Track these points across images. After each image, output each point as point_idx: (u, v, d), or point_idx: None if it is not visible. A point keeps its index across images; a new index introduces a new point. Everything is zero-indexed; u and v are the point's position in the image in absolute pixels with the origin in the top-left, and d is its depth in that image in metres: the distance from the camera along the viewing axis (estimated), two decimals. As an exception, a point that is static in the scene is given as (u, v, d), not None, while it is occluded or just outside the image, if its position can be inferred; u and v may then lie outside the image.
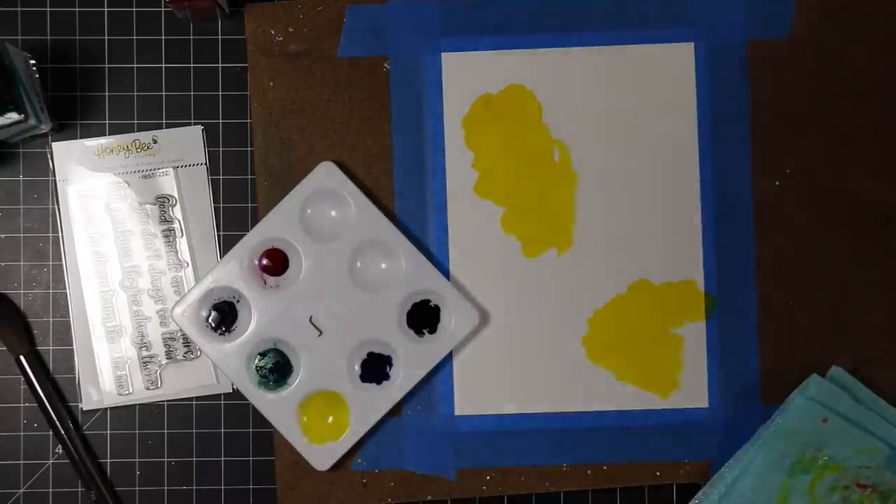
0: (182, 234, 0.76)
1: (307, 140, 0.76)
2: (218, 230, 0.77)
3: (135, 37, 0.77)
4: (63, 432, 0.75)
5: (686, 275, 0.76)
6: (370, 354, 0.75)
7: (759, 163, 0.76)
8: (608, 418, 0.76)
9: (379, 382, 0.74)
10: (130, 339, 0.76)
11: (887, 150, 0.76)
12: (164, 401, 0.76)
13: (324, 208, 0.75)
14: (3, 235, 0.77)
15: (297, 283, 0.74)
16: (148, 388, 0.76)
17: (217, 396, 0.76)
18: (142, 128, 0.77)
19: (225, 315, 0.74)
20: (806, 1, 0.76)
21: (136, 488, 0.76)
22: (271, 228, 0.74)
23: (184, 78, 0.77)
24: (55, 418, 0.75)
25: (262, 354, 0.74)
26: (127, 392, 0.76)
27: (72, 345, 0.76)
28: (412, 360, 0.74)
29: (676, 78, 0.76)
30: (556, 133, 0.76)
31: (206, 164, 0.77)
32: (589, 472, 0.76)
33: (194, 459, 0.76)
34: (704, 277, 0.76)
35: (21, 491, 0.76)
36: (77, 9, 0.77)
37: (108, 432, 0.76)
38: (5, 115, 0.68)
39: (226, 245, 0.76)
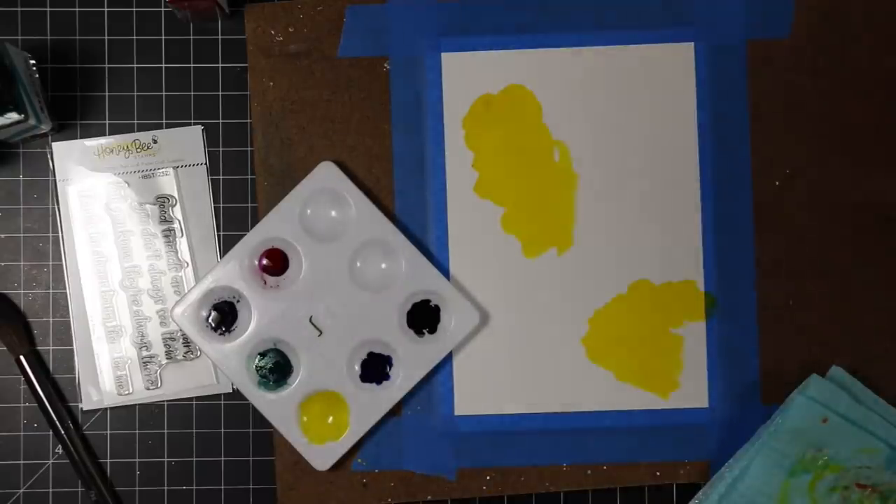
0: (182, 234, 0.76)
1: (307, 140, 0.76)
2: (218, 230, 0.77)
3: (135, 37, 0.77)
4: (63, 432, 0.75)
5: (686, 275, 0.76)
6: (370, 354, 0.75)
7: (759, 163, 0.76)
8: (608, 418, 0.76)
9: (379, 382, 0.74)
10: (130, 339, 0.76)
11: (887, 151, 0.76)
12: (164, 401, 0.76)
13: (324, 208, 0.74)
14: (3, 235, 0.76)
15: (297, 283, 0.74)
16: (148, 388, 0.76)
17: (217, 396, 0.76)
18: (142, 128, 0.77)
19: (225, 315, 0.74)
20: (806, 1, 0.76)
21: (136, 488, 0.76)
22: (271, 228, 0.74)
23: (184, 78, 0.77)
24: (55, 418, 0.75)
25: (262, 354, 0.74)
26: (127, 392, 0.76)
27: (72, 345, 0.76)
28: (412, 360, 0.74)
29: (676, 78, 0.76)
30: (556, 133, 0.76)
31: (206, 164, 0.77)
32: (589, 472, 0.76)
33: (194, 459, 0.76)
34: (704, 277, 0.76)
35: (21, 491, 0.76)
36: (77, 9, 0.77)
37: (108, 432, 0.76)
38: (5, 115, 0.68)
39: (226, 245, 0.76)
